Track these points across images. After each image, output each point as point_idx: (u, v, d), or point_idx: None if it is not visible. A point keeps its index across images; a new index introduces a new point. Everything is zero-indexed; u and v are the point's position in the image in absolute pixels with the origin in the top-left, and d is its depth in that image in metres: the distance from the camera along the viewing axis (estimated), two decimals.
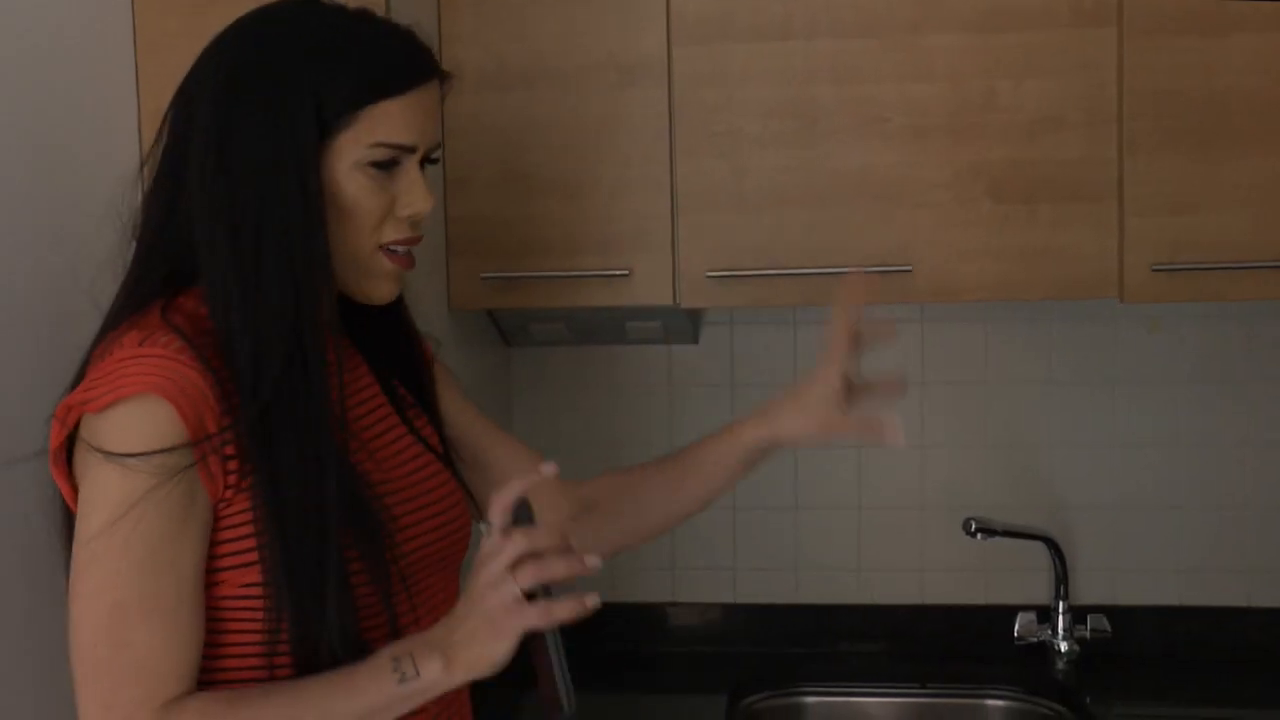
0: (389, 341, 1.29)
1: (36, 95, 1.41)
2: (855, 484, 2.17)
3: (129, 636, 1.03)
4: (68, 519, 1.12)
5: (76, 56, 1.49)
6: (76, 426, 1.08)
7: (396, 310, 1.28)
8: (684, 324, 2.08)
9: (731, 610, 2.20)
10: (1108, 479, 2.12)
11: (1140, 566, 2.12)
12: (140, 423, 1.04)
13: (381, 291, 1.19)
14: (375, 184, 1.14)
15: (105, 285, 1.35)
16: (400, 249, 1.18)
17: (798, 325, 2.16)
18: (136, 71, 1.58)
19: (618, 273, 1.82)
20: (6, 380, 1.33)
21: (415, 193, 1.16)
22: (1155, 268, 1.74)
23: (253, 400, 1.07)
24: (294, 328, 1.09)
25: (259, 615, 1.09)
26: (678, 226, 1.82)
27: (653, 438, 2.20)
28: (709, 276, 1.81)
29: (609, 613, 2.18)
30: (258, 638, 1.10)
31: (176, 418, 1.04)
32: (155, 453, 1.03)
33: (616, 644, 2.21)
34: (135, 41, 1.58)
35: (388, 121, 1.12)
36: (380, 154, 1.13)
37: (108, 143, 1.55)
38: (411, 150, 1.15)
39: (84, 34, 1.51)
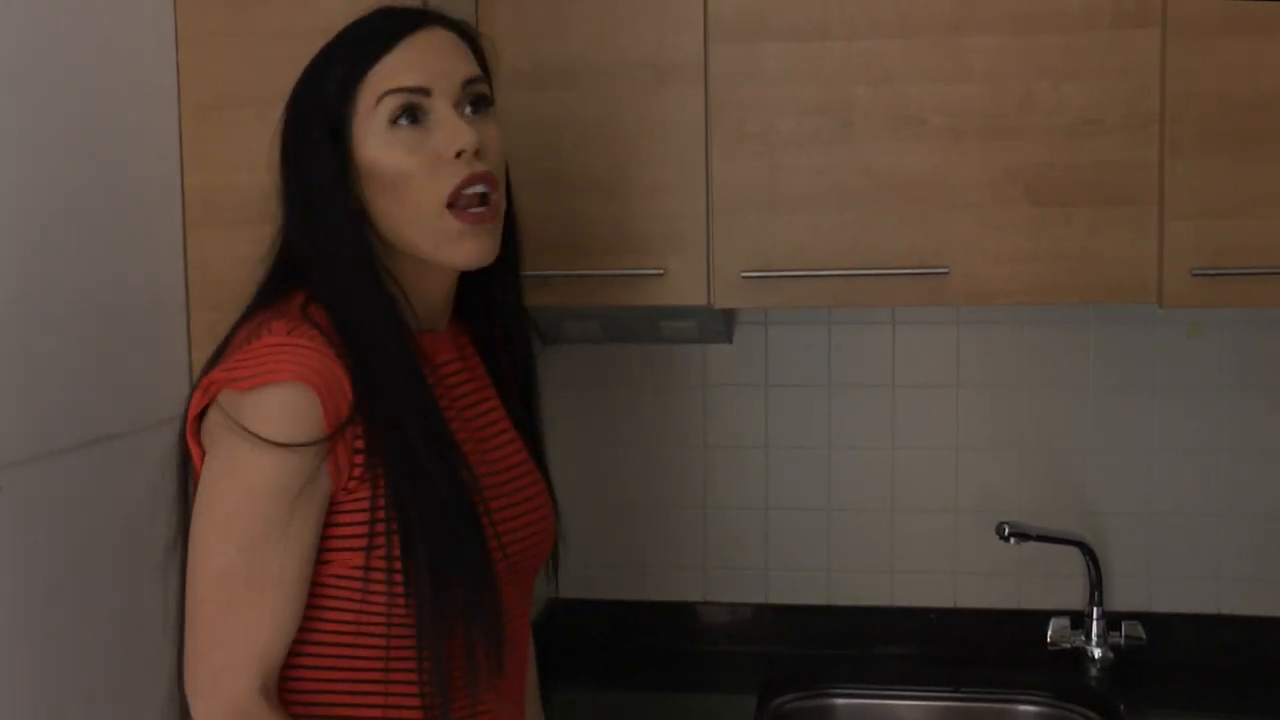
0: (498, 329, 1.33)
1: (79, 92, 1.42)
2: (889, 486, 2.16)
3: (232, 601, 1.10)
4: (183, 486, 1.18)
5: (119, 53, 1.51)
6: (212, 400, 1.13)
7: (511, 299, 1.31)
8: (718, 323, 2.08)
9: (763, 611, 2.20)
10: (1144, 484, 2.10)
11: (1177, 574, 2.09)
12: (286, 408, 1.08)
13: (465, 255, 1.18)
14: (409, 142, 1.15)
15: (147, 279, 1.37)
16: (471, 197, 1.16)
17: (832, 325, 2.15)
18: (178, 68, 1.60)
19: (652, 272, 1.82)
20: (49, 376, 1.35)
21: (451, 129, 1.15)
22: (1195, 273, 1.72)
23: (366, 396, 1.11)
24: (375, 327, 1.14)
25: (380, 595, 1.14)
26: (713, 226, 1.82)
27: (687, 437, 2.20)
28: (744, 277, 1.81)
29: (640, 611, 2.21)
30: (351, 617, 1.15)
31: (319, 408, 1.09)
32: (304, 445, 1.08)
33: (647, 642, 2.22)
34: (177, 38, 1.60)
35: (386, 76, 1.15)
36: (392, 103, 1.15)
37: (150, 139, 1.56)
38: (424, 92, 1.16)
39: (126, 30, 1.53)
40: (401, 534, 1.12)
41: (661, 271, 1.82)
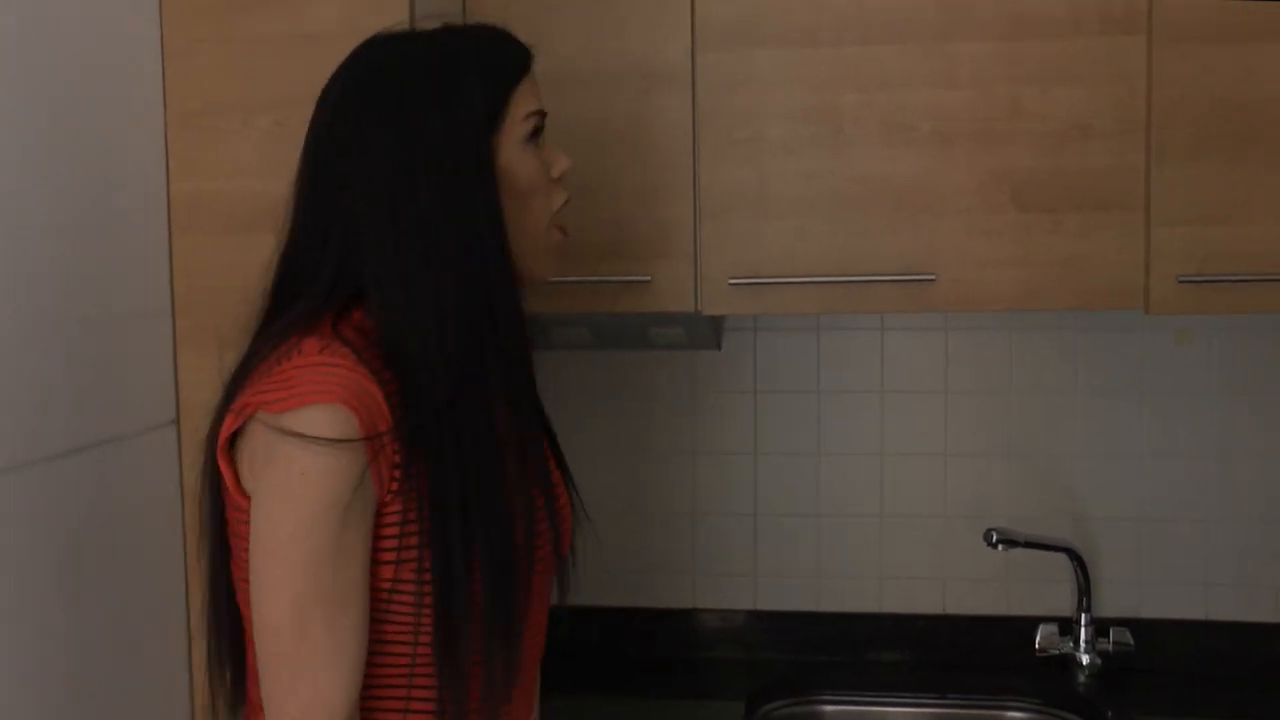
0: None
1: (65, 99, 1.42)
2: (877, 492, 2.16)
3: (309, 628, 1.08)
4: (214, 506, 1.17)
5: (104, 61, 1.50)
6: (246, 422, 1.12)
7: None
8: (707, 330, 2.08)
9: (752, 617, 2.20)
10: (1132, 491, 2.10)
11: (1164, 580, 2.10)
12: (323, 426, 1.07)
13: (553, 268, 1.27)
14: (537, 158, 1.23)
15: (133, 286, 1.36)
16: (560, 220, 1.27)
17: (821, 331, 2.15)
18: (164, 76, 1.60)
19: (639, 279, 1.82)
20: (35, 382, 1.34)
21: (556, 153, 1.27)
22: (1182, 279, 1.72)
23: (428, 405, 1.11)
24: (484, 332, 1.15)
25: (407, 608, 1.13)
26: (700, 233, 1.82)
27: (676, 444, 2.20)
28: (731, 283, 1.81)
29: (630, 618, 2.20)
30: (405, 628, 1.14)
31: (356, 423, 1.08)
32: (348, 441, 1.07)
33: (637, 649, 2.22)
34: (163, 46, 1.60)
35: (530, 95, 1.24)
36: (534, 122, 1.23)
37: (135, 148, 1.56)
38: (544, 115, 1.25)
39: (112, 39, 1.52)
40: (433, 578, 1.12)
41: (648, 278, 1.82)
